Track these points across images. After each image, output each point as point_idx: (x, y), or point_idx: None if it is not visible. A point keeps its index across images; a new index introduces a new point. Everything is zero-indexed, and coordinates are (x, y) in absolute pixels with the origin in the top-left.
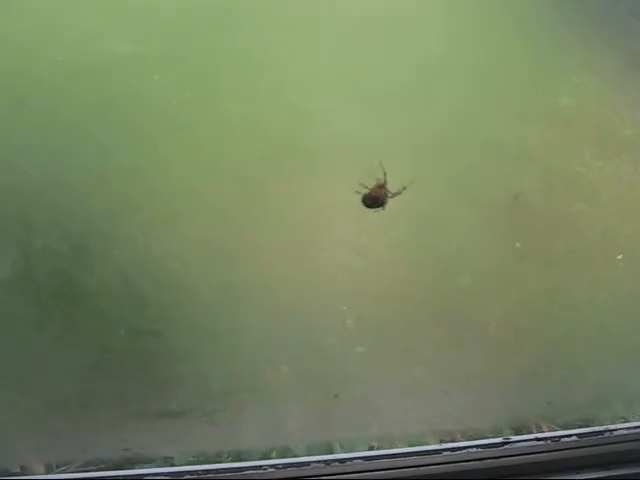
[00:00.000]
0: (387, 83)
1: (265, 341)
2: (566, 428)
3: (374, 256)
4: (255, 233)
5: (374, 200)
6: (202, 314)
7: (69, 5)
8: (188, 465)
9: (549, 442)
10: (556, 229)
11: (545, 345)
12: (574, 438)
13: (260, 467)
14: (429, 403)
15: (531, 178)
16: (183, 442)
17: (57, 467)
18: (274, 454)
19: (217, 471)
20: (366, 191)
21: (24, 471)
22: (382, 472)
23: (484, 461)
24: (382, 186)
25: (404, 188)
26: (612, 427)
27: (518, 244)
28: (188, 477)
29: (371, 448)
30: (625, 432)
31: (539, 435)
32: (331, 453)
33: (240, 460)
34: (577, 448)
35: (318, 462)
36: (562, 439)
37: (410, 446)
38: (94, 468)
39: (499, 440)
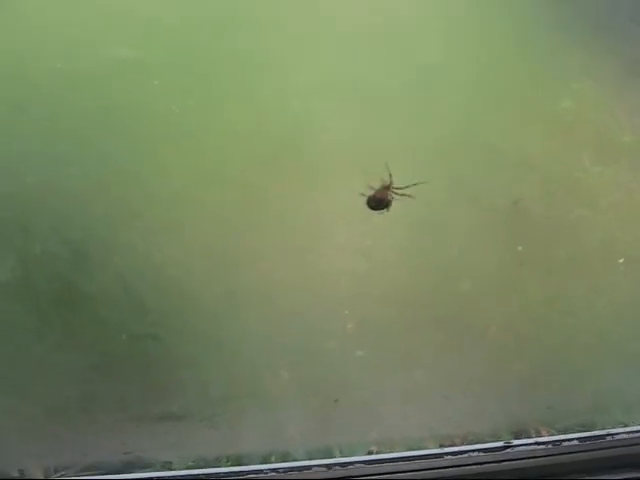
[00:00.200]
0: (387, 88)
1: (265, 346)
2: (566, 433)
3: (374, 261)
4: (256, 239)
5: (379, 202)
6: (203, 320)
7: (69, 12)
8: (188, 469)
9: (550, 446)
10: (556, 235)
11: (545, 351)
12: (575, 442)
13: (261, 471)
14: (429, 407)
15: (531, 184)
16: (183, 446)
17: (56, 471)
18: (274, 458)
19: (217, 475)
20: (371, 193)
21: (23, 475)
22: (382, 476)
23: (484, 465)
24: (387, 187)
25: (408, 187)
26: (613, 431)
27: (519, 249)
28: None
29: (371, 452)
30: (626, 436)
31: (539, 439)
32: (331, 457)
33: (240, 464)
34: (578, 452)
35: (319, 466)
36: (563, 443)
37: (410, 450)
38: (94, 472)
39: (500, 444)
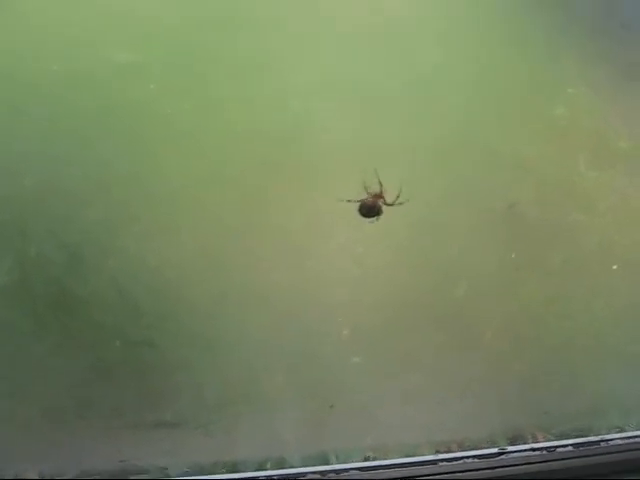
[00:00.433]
0: (386, 91)
1: (261, 351)
2: (562, 438)
3: (371, 264)
4: (253, 241)
5: (369, 209)
6: (198, 323)
7: (68, 13)
8: (183, 476)
9: (544, 452)
10: (553, 238)
11: (542, 354)
12: (569, 448)
13: (256, 478)
14: (425, 413)
15: (527, 188)
16: (178, 453)
17: (51, 477)
18: (269, 465)
19: None
20: (362, 200)
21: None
22: None
23: (480, 471)
24: (378, 195)
25: (399, 200)
26: (607, 437)
27: (514, 254)
28: None
29: (367, 458)
30: (620, 442)
31: (535, 445)
32: (327, 464)
33: (236, 471)
34: (572, 458)
35: (314, 473)
36: (557, 449)
37: (406, 456)
38: (89, 478)
39: (495, 450)
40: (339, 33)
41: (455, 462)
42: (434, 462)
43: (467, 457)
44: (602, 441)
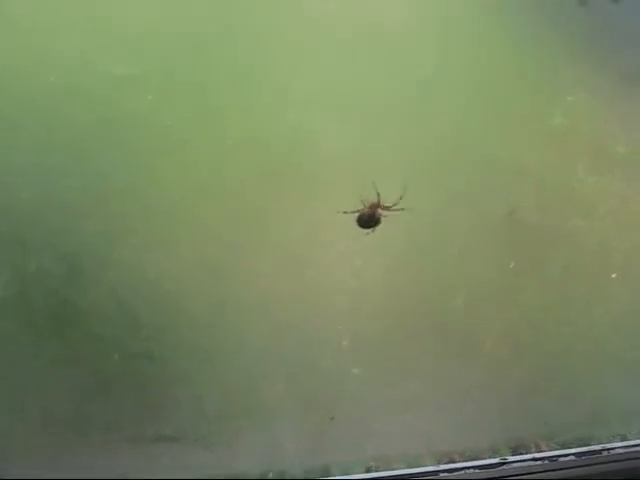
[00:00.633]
0: (385, 100)
1: (261, 362)
2: (564, 447)
3: (370, 273)
4: (252, 252)
5: (368, 219)
6: (198, 335)
7: (64, 26)
8: None
9: (546, 462)
10: (552, 244)
11: (542, 361)
12: (571, 457)
13: None
14: (426, 423)
15: (527, 194)
16: (178, 467)
17: None
18: (271, 476)
19: None
20: (360, 210)
21: None
22: None
23: None
24: (375, 206)
25: (397, 207)
26: (609, 446)
27: (514, 261)
28: None
29: (368, 469)
30: (622, 451)
31: (537, 455)
32: (328, 475)
33: None
34: (575, 467)
35: None
36: (559, 459)
37: (407, 467)
38: None
39: (496, 460)
40: (338, 42)
41: (457, 472)
42: (436, 473)
43: (469, 467)
44: (604, 450)
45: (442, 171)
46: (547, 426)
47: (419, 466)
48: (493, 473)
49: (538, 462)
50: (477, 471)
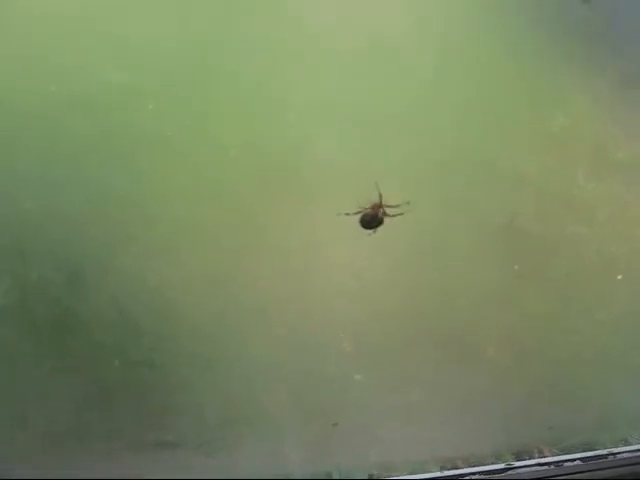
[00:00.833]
0: (384, 107)
1: (263, 369)
2: (569, 452)
3: (372, 280)
4: (252, 259)
5: (371, 219)
6: (198, 343)
7: (65, 36)
8: None
9: (552, 467)
10: (553, 251)
11: (546, 367)
12: (577, 462)
13: None
14: (429, 429)
15: (527, 201)
16: (180, 474)
17: None
18: None
19: None
20: (363, 211)
21: None
22: None
23: None
24: (377, 207)
25: (400, 210)
26: (615, 450)
27: (516, 267)
28: None
29: (371, 476)
30: (628, 455)
31: (541, 460)
32: None
33: None
34: (581, 472)
35: None
36: (565, 464)
37: (411, 473)
38: None
39: (501, 466)
40: (337, 52)
41: (461, 479)
42: (440, 479)
43: (473, 473)
44: (610, 454)
45: (441, 177)
46: (551, 431)
47: (422, 472)
48: (498, 478)
49: (544, 467)
50: (482, 477)
